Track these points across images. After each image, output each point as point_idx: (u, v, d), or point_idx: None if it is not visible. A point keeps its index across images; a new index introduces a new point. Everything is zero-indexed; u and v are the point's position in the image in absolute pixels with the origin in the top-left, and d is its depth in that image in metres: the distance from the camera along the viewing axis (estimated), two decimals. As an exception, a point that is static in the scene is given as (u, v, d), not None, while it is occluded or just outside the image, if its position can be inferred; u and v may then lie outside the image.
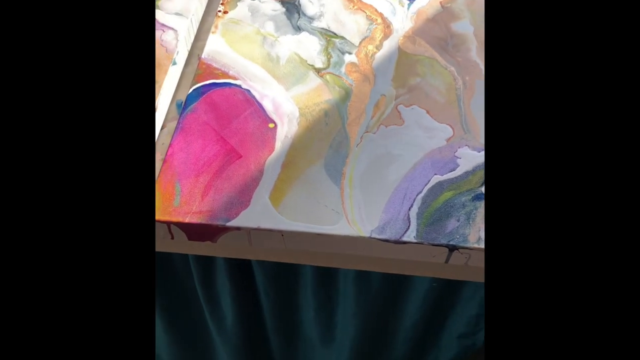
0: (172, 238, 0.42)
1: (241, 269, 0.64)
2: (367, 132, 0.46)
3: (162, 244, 0.43)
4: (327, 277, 0.64)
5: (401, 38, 0.54)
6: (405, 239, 0.40)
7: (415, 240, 0.40)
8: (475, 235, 0.40)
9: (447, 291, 0.64)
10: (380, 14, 0.56)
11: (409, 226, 0.40)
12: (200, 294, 0.67)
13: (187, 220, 0.40)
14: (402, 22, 0.56)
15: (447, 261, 0.41)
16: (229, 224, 0.40)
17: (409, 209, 0.41)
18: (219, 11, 0.56)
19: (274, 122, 0.47)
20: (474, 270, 0.42)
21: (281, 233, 0.40)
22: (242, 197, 0.42)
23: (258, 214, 0.41)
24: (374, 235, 0.40)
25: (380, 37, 0.54)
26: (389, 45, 0.53)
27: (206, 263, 0.62)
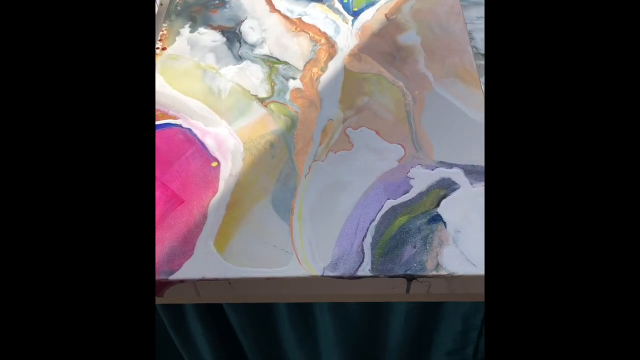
0: (116, 297, 0.39)
1: (212, 310, 0.61)
2: (316, 160, 0.44)
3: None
4: (302, 308, 0.62)
5: (347, 57, 0.52)
6: (359, 273, 0.37)
7: (370, 274, 0.37)
8: (433, 262, 0.37)
9: (428, 310, 0.61)
10: (324, 34, 0.55)
11: (363, 258, 0.38)
12: (175, 338, 0.64)
13: (127, 278, 0.38)
14: (347, 40, 0.54)
15: (407, 291, 0.38)
16: (172, 277, 0.38)
17: (363, 240, 0.39)
18: (157, 48, 0.54)
19: (217, 161, 0.45)
20: (439, 297, 0.40)
21: (228, 281, 0.38)
22: (185, 245, 0.39)
23: (202, 263, 0.38)
24: (327, 273, 0.37)
25: (325, 58, 0.52)
26: (334, 65, 0.51)
27: (176, 308, 0.60)
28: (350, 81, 0.50)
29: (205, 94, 0.50)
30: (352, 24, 0.55)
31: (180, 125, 0.47)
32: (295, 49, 0.53)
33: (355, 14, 0.56)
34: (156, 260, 0.39)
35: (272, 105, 0.48)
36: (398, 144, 0.45)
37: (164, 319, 0.61)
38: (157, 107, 0.49)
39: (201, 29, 0.56)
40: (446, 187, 0.41)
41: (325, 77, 0.50)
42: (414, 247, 0.38)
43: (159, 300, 0.41)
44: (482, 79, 0.50)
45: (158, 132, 0.47)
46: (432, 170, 0.43)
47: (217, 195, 0.42)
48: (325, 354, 0.68)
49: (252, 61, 0.52)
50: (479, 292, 0.38)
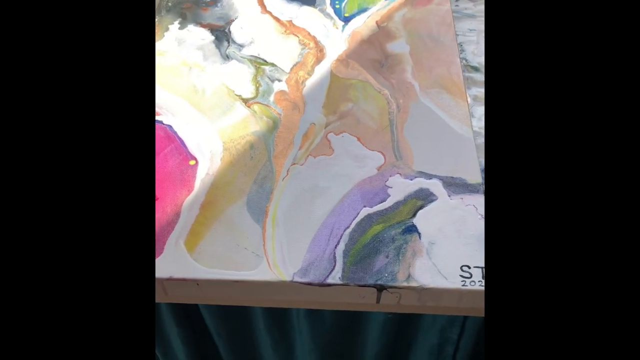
0: (82, 292, 0.39)
1: (188, 311, 0.61)
2: (295, 164, 0.44)
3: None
4: (278, 313, 0.61)
5: (334, 62, 0.52)
6: (329, 280, 0.37)
7: (340, 282, 0.37)
8: (404, 273, 0.37)
9: (405, 321, 0.61)
10: (313, 38, 0.54)
11: (334, 266, 0.37)
12: (149, 337, 0.63)
13: (93, 273, 0.37)
14: (336, 45, 0.53)
15: (378, 301, 0.38)
16: (139, 274, 0.37)
17: (335, 247, 0.38)
18: (145, 43, 0.54)
19: (195, 159, 0.44)
20: (410, 309, 0.39)
21: (196, 282, 0.37)
22: (156, 243, 0.39)
23: (171, 262, 0.38)
24: (296, 279, 0.37)
25: (312, 62, 0.52)
26: (321, 70, 0.51)
27: (150, 306, 0.59)
28: (336, 86, 0.50)
29: (189, 91, 0.49)
30: (343, 30, 0.55)
31: (161, 122, 0.47)
32: (283, 51, 0.53)
33: (347, 20, 0.56)
34: (125, 257, 0.38)
35: (255, 106, 0.48)
36: (379, 151, 0.44)
37: (139, 316, 0.61)
38: (139, 102, 0.48)
39: (190, 26, 0.55)
40: (424, 198, 0.41)
41: (311, 81, 0.50)
42: (387, 256, 0.38)
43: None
44: (469, 92, 0.50)
45: (138, 127, 0.46)
46: (411, 180, 0.42)
47: (192, 194, 0.42)
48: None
49: (239, 61, 0.52)
50: (449, 306, 0.38)
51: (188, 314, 0.61)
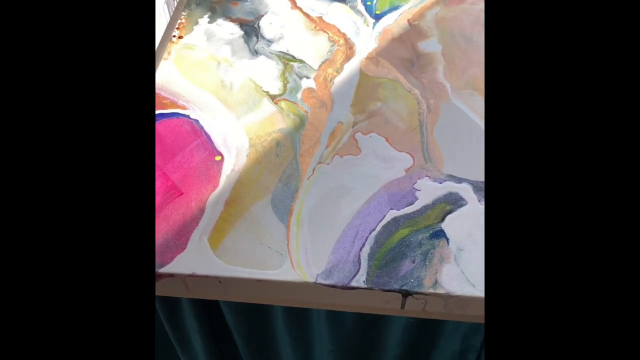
0: (105, 285, 0.39)
1: (208, 307, 0.60)
2: (321, 163, 0.43)
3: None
4: (298, 312, 0.60)
5: (364, 60, 0.51)
6: (354, 284, 0.36)
7: (364, 286, 0.36)
8: (431, 278, 0.36)
9: (427, 326, 0.60)
10: (343, 35, 0.53)
11: (358, 269, 0.37)
12: (169, 332, 0.64)
13: (116, 266, 0.37)
14: (366, 43, 0.52)
15: (403, 307, 0.37)
16: (162, 270, 0.37)
17: (360, 249, 0.38)
18: (174, 36, 0.54)
19: (221, 155, 0.44)
20: (435, 315, 0.38)
21: (218, 279, 0.37)
22: (179, 239, 0.38)
23: (194, 259, 0.37)
24: (320, 281, 0.36)
25: (342, 59, 0.51)
26: (350, 68, 0.50)
27: (171, 302, 0.59)
28: (365, 85, 0.49)
29: (216, 86, 0.49)
30: (374, 27, 0.54)
31: (188, 116, 0.47)
32: (312, 48, 0.52)
33: (378, 17, 0.55)
34: (148, 251, 0.38)
35: (282, 103, 0.47)
36: (407, 153, 0.43)
37: (160, 311, 0.61)
38: (166, 95, 0.48)
39: (220, 21, 0.55)
40: (453, 202, 0.40)
41: (339, 79, 0.49)
42: (413, 261, 0.37)
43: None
44: (502, 94, 0.48)
45: (165, 121, 0.46)
46: (440, 183, 0.41)
47: (217, 190, 0.41)
48: (320, 361, 0.67)
49: (268, 57, 0.51)
50: (476, 314, 0.36)
51: (208, 310, 0.61)
